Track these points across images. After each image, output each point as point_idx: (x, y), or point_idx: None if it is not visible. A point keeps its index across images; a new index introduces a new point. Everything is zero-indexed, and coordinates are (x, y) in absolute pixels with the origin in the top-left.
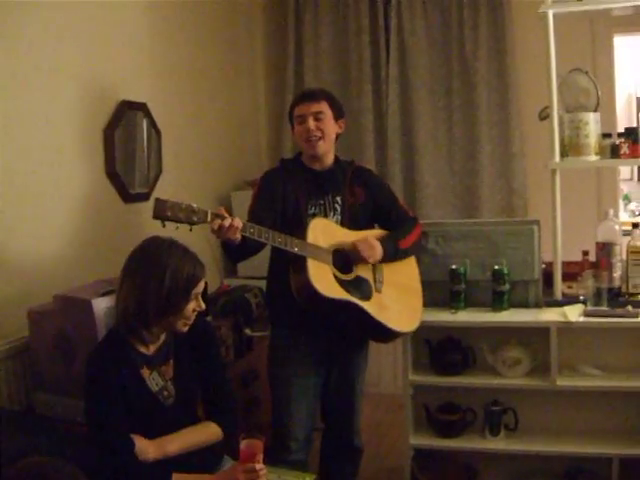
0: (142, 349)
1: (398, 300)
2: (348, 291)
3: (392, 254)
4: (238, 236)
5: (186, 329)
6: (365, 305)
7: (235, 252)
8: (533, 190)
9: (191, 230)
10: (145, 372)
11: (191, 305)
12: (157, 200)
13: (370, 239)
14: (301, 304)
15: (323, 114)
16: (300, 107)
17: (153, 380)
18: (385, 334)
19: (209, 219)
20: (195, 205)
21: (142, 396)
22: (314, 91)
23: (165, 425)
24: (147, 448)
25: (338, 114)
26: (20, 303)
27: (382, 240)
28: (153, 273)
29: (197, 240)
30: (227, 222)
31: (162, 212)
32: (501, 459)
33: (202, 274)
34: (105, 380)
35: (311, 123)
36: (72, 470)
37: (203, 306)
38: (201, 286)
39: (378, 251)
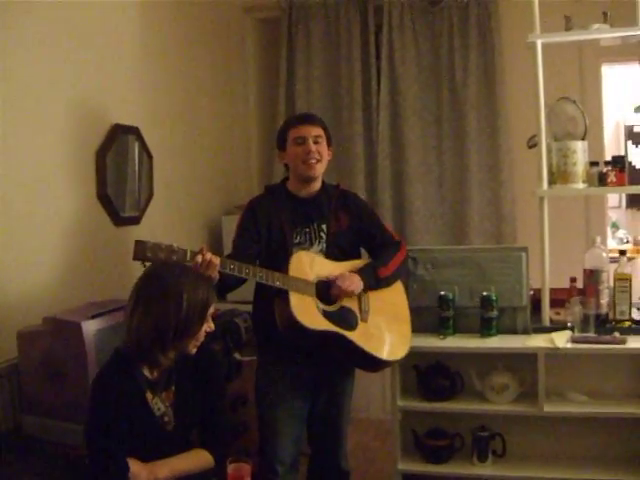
0: (146, 373)
1: (385, 328)
2: (332, 322)
3: (373, 284)
4: (216, 274)
5: (195, 350)
6: (350, 335)
7: (218, 288)
8: (522, 217)
9: None
10: (148, 396)
11: (204, 327)
12: (137, 242)
13: (348, 273)
14: (287, 337)
15: (322, 138)
16: (300, 129)
17: (156, 405)
18: (373, 363)
19: (188, 258)
20: (175, 245)
21: (145, 420)
22: (313, 115)
23: (162, 450)
24: (140, 472)
25: (329, 141)
26: (9, 325)
27: (361, 271)
28: (170, 299)
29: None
30: (207, 257)
31: (142, 253)
32: None
33: (214, 296)
34: (110, 402)
35: (312, 145)
36: None
37: (212, 326)
38: (213, 308)
39: (357, 283)
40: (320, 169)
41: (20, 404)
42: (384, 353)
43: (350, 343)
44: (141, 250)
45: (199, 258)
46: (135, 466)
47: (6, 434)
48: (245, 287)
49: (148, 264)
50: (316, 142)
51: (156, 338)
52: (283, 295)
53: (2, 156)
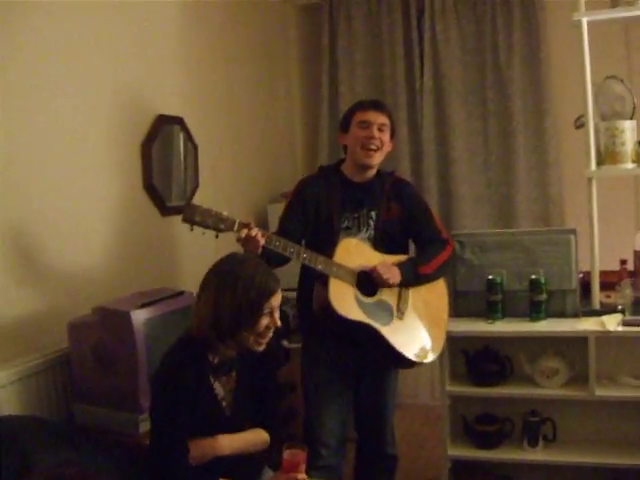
0: (210, 357)
1: (419, 330)
2: (367, 313)
3: (412, 280)
4: (257, 251)
5: (261, 348)
6: (382, 330)
7: None
8: (570, 199)
9: (217, 237)
10: (211, 380)
11: (264, 320)
12: (188, 205)
13: (389, 264)
14: (319, 318)
15: (386, 127)
16: (367, 113)
17: (215, 389)
18: (398, 360)
19: (236, 228)
20: (224, 213)
21: (208, 403)
22: (382, 102)
23: (220, 433)
24: (208, 446)
25: (393, 133)
26: (60, 315)
27: (401, 265)
28: (226, 284)
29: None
30: (253, 232)
31: (191, 216)
32: (540, 470)
33: (276, 287)
34: (179, 385)
35: (375, 132)
36: None
37: (278, 323)
38: (275, 300)
39: (396, 275)
40: (378, 158)
41: (72, 393)
42: (412, 353)
43: (380, 337)
44: (191, 213)
45: (244, 232)
46: (199, 441)
47: (58, 423)
48: (294, 274)
49: (196, 228)
50: (380, 130)
51: (212, 324)
52: (324, 279)
53: (51, 149)
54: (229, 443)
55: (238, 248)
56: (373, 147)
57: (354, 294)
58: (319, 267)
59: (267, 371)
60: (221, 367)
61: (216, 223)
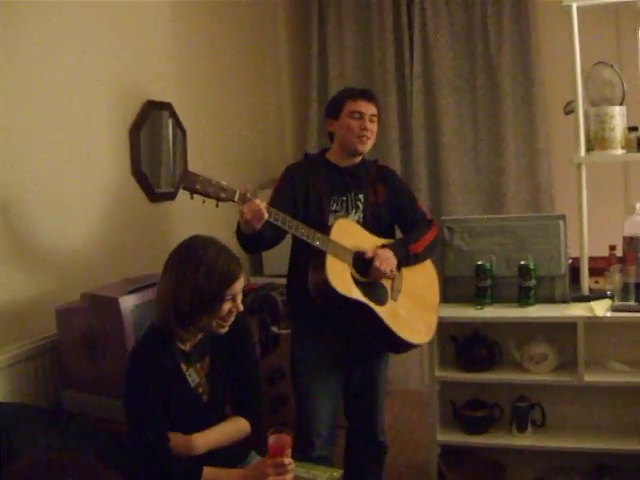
0: (180, 345)
1: (412, 312)
2: (363, 293)
3: (404, 259)
4: (260, 224)
5: (223, 331)
6: (378, 310)
7: (251, 240)
8: (559, 185)
9: (217, 206)
10: (183, 367)
11: (227, 306)
12: (188, 172)
13: (382, 250)
14: (317, 301)
15: (376, 117)
16: (359, 103)
17: (190, 376)
18: (394, 342)
19: (236, 198)
20: (225, 183)
21: (182, 391)
22: (373, 93)
23: (199, 421)
24: (179, 447)
25: (379, 120)
26: (48, 301)
27: (392, 246)
28: (187, 270)
29: (224, 241)
30: (256, 203)
31: (192, 184)
32: (528, 455)
33: (238, 273)
34: (147, 373)
35: (369, 123)
36: (95, 466)
37: (241, 307)
38: (238, 286)
39: (392, 261)
40: (369, 146)
41: (60, 380)
42: (406, 334)
43: (376, 317)
44: (191, 181)
45: (248, 205)
46: (177, 438)
47: (46, 410)
48: (282, 260)
49: (196, 197)
50: (371, 120)
51: (174, 310)
52: (318, 258)
53: (39, 134)
54: (203, 442)
55: (225, 234)
56: (365, 139)
57: (350, 273)
58: (317, 243)
59: (240, 352)
60: (193, 353)
61: (216, 192)
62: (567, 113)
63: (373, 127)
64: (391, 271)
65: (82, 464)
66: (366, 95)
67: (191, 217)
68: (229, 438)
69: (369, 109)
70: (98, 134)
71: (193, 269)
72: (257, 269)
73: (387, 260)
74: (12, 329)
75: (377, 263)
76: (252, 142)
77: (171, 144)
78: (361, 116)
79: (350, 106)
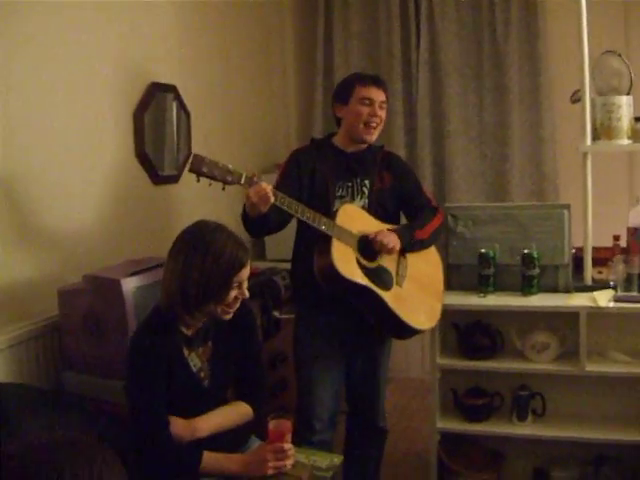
0: (183, 329)
1: (417, 297)
2: (368, 277)
3: (408, 244)
4: (266, 207)
5: (228, 317)
6: (383, 294)
7: (256, 224)
8: (564, 174)
9: (223, 189)
10: (185, 352)
11: (233, 293)
12: (195, 155)
13: (387, 230)
14: (322, 285)
15: (385, 104)
16: (370, 90)
17: (192, 361)
18: (399, 327)
19: (242, 181)
20: (231, 166)
21: (184, 376)
22: (383, 80)
23: (201, 405)
24: (182, 431)
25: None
26: (50, 283)
27: (398, 230)
28: (194, 256)
29: (227, 224)
30: (263, 186)
31: (198, 166)
32: (528, 444)
33: (245, 260)
34: (149, 358)
35: (379, 110)
36: (99, 447)
37: (247, 294)
38: (244, 273)
39: (395, 241)
40: (376, 134)
41: (61, 361)
42: (411, 320)
43: (381, 302)
44: (198, 163)
45: (254, 188)
46: (178, 426)
47: (47, 390)
48: (284, 245)
49: (202, 180)
50: (381, 107)
51: (179, 295)
52: (323, 242)
53: (45, 115)
54: (206, 425)
55: (228, 218)
56: (374, 124)
57: (356, 257)
58: (322, 227)
59: (244, 338)
60: (196, 338)
61: (223, 175)
62: (574, 102)
63: (382, 114)
64: (392, 248)
65: (87, 444)
66: (377, 81)
67: (194, 200)
68: (231, 422)
69: (379, 96)
70: (102, 116)
71: (201, 256)
72: (259, 253)
73: (389, 236)
74: (13, 310)
75: (379, 237)
76: (256, 126)
77: (175, 127)
78: (371, 102)
79: (360, 92)
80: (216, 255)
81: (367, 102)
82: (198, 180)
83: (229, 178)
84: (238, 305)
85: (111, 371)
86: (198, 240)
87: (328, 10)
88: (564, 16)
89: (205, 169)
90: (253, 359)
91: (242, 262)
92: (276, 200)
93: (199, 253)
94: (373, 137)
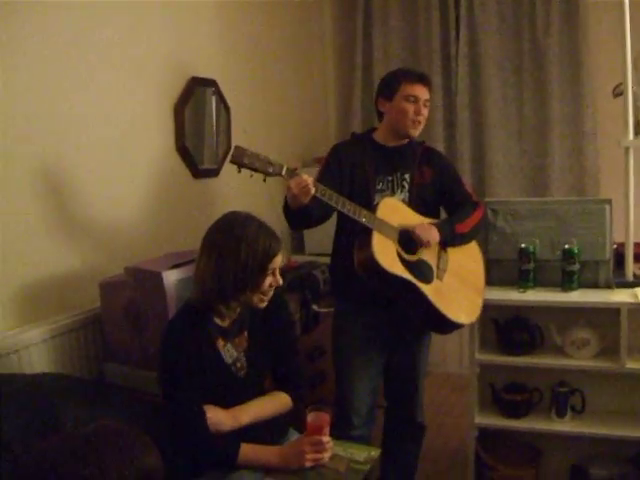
0: (218, 321)
1: (458, 291)
2: (409, 271)
3: (449, 238)
4: (307, 199)
5: (263, 305)
6: (424, 288)
7: (298, 216)
8: (605, 169)
9: (265, 181)
10: (220, 343)
11: (268, 280)
12: (236, 147)
13: (426, 224)
14: (362, 277)
15: (430, 103)
16: (416, 87)
17: (227, 352)
18: (439, 321)
19: (284, 173)
20: (272, 158)
21: (216, 367)
22: (428, 77)
23: (237, 396)
24: (223, 419)
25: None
26: (92, 275)
27: (438, 224)
28: (229, 247)
29: (266, 218)
30: (304, 178)
31: (240, 158)
32: (567, 441)
33: (278, 248)
34: (181, 350)
35: (424, 109)
36: (144, 438)
37: (280, 281)
38: (278, 261)
39: (435, 234)
40: (420, 131)
41: (102, 352)
42: (452, 314)
43: (421, 295)
44: (239, 155)
45: (295, 180)
46: (219, 413)
47: (88, 381)
48: (324, 239)
49: (244, 170)
50: (425, 105)
51: (215, 288)
52: (364, 235)
53: (90, 108)
54: (245, 414)
55: (267, 211)
56: (418, 122)
57: (396, 250)
58: (363, 220)
59: (277, 328)
60: (232, 329)
61: (264, 166)
62: (616, 96)
63: (426, 112)
64: (432, 241)
65: (127, 433)
66: (423, 79)
67: (234, 194)
68: (270, 412)
69: (424, 94)
70: (144, 110)
71: (235, 246)
72: (299, 247)
73: (428, 230)
74: (56, 301)
75: (418, 230)
76: (296, 120)
77: (215, 121)
78: (416, 100)
79: (406, 89)
80: (250, 244)
81: (412, 99)
82: (239, 171)
83: (270, 169)
84: (272, 293)
85: (151, 362)
86: (231, 231)
87: (367, 4)
88: (605, 9)
89: (246, 160)
90: (289, 349)
91: (276, 249)
92: (317, 192)
93: (233, 243)
94: (417, 132)
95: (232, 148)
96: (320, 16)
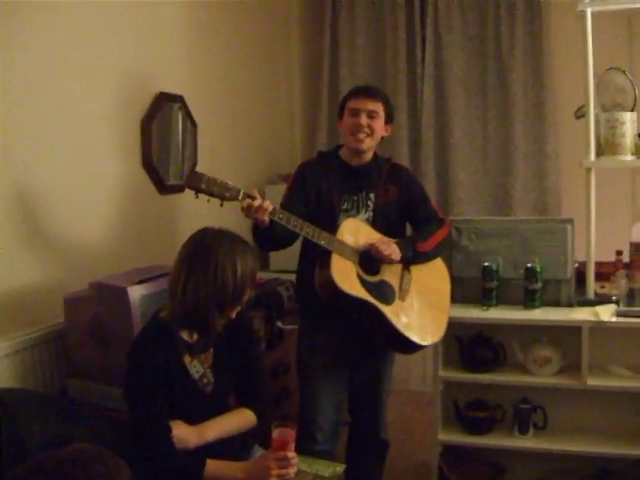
0: (185, 337)
1: (421, 312)
2: (369, 292)
3: (410, 256)
4: (266, 218)
5: (234, 315)
6: (384, 309)
7: (264, 238)
8: (567, 189)
9: (222, 205)
10: (187, 359)
11: (238, 308)
12: (194, 172)
13: (387, 240)
14: (323, 299)
15: (377, 114)
16: (356, 101)
17: (194, 367)
18: (401, 342)
19: (240, 197)
20: (230, 183)
21: (183, 383)
22: (373, 89)
23: (203, 412)
24: (188, 435)
25: (389, 118)
26: (57, 290)
27: (400, 242)
28: (226, 269)
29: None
30: (257, 202)
31: (197, 184)
32: (529, 457)
33: (255, 270)
34: (148, 365)
35: (364, 119)
36: (119, 461)
37: (252, 293)
38: (252, 290)
39: (395, 250)
40: (369, 144)
41: (65, 368)
42: (413, 334)
43: (382, 316)
44: (197, 181)
45: (255, 202)
46: (184, 429)
47: (51, 396)
48: (288, 256)
49: (201, 195)
50: (370, 117)
51: (213, 306)
52: (324, 257)
53: (54, 124)
54: (211, 430)
55: (234, 228)
56: (361, 136)
57: (356, 272)
58: (322, 242)
59: (242, 345)
60: (198, 344)
61: (221, 191)
62: (578, 117)
63: (373, 123)
64: (391, 257)
65: (105, 455)
66: (364, 92)
67: (200, 210)
68: (235, 428)
69: (366, 105)
70: (110, 125)
71: (232, 272)
72: (263, 264)
73: (388, 244)
74: (20, 316)
75: (377, 244)
76: (262, 137)
77: (181, 137)
78: (356, 113)
79: (350, 104)
80: (243, 268)
81: (353, 112)
82: (197, 196)
83: (227, 194)
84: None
85: (116, 378)
86: (223, 257)
87: (334, 22)
88: (569, 32)
89: (204, 185)
90: (254, 366)
91: (257, 268)
92: (275, 214)
93: (229, 270)
94: (363, 145)
95: (188, 172)
96: (287, 33)
